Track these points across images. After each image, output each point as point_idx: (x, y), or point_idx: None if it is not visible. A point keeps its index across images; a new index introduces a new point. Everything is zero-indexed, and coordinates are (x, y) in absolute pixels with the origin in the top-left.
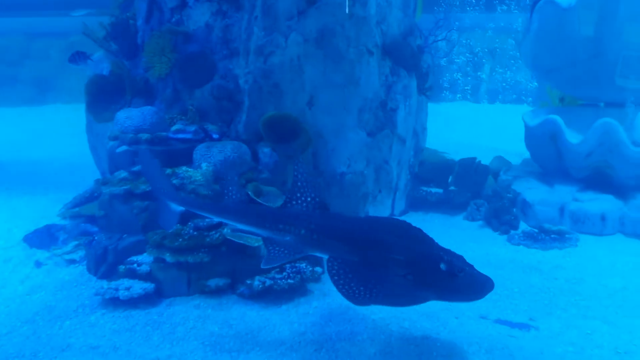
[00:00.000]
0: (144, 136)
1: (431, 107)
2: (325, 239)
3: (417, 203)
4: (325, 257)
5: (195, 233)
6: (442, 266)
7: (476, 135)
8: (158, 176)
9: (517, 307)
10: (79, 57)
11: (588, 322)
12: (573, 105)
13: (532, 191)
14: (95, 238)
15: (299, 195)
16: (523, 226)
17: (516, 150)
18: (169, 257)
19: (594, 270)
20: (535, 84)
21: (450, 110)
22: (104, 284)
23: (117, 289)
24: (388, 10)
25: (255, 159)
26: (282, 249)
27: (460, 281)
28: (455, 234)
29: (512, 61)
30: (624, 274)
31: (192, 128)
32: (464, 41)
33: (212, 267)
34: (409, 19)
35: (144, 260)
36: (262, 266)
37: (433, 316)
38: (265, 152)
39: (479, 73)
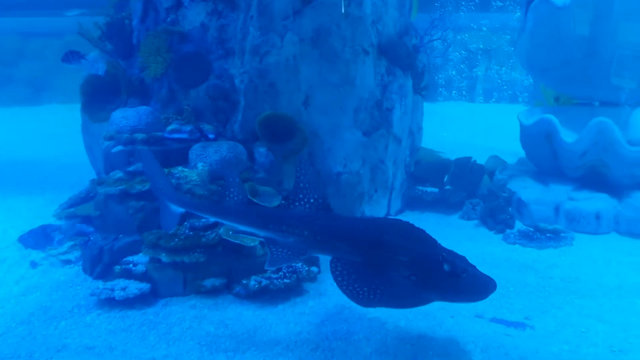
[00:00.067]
0: (140, 136)
1: (427, 106)
2: (329, 240)
3: (413, 202)
4: (328, 257)
5: (191, 233)
6: (446, 267)
7: (472, 135)
8: (159, 177)
9: (512, 306)
10: (72, 56)
11: (583, 320)
12: (568, 104)
13: (528, 190)
14: (91, 238)
15: (301, 196)
16: (518, 225)
17: (511, 149)
18: (164, 257)
19: (589, 269)
20: (530, 80)
21: (445, 109)
22: (100, 284)
23: (112, 289)
24: (384, 10)
25: (251, 158)
26: (285, 251)
27: (463, 282)
28: (451, 233)
29: (508, 60)
30: (619, 273)
31: (188, 128)
32: (459, 39)
33: (208, 267)
34: (404, 19)
35: (140, 260)
36: (266, 267)
37: (429, 315)
38: (261, 152)
39: (474, 69)
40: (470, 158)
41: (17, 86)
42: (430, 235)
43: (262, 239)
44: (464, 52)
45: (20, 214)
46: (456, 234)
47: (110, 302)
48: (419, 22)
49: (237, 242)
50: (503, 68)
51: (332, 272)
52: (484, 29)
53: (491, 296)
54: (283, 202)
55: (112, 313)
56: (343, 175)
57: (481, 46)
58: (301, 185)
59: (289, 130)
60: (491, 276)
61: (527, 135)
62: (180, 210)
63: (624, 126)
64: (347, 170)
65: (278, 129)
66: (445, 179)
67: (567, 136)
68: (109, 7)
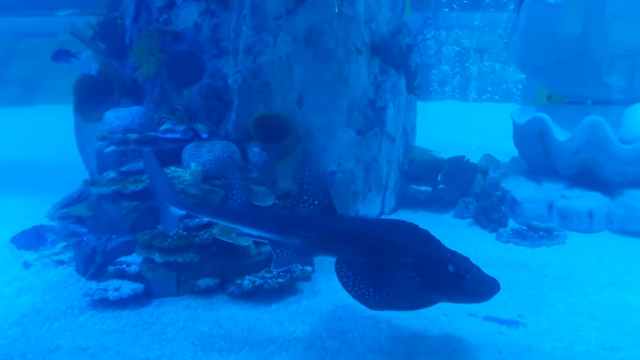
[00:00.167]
0: (133, 136)
1: (420, 105)
2: (334, 241)
3: (406, 201)
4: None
5: (184, 233)
6: (450, 268)
7: (465, 134)
8: (160, 179)
9: (505, 304)
10: (62, 55)
11: (576, 318)
12: (560, 103)
13: (521, 189)
14: (84, 239)
15: (305, 198)
16: (512, 224)
17: (505, 148)
18: (158, 257)
19: (582, 267)
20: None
21: (439, 108)
22: (93, 284)
23: (106, 290)
24: (377, 9)
25: (244, 158)
26: (290, 252)
27: (467, 283)
28: (445, 232)
29: (501, 58)
30: (611, 271)
31: (181, 128)
32: (452, 37)
33: (202, 267)
34: (397, 18)
35: (133, 260)
36: (272, 269)
37: (422, 314)
38: (255, 151)
39: (467, 68)
40: (463, 157)
41: (9, 86)
42: (435, 236)
43: (259, 239)
44: (457, 49)
45: (13, 214)
46: (450, 233)
47: (103, 303)
48: (412, 21)
49: (230, 241)
50: (496, 64)
51: (338, 274)
52: (477, 22)
53: None
54: (277, 201)
55: (105, 313)
56: (337, 174)
57: (474, 44)
58: (305, 187)
59: (282, 129)
60: None
61: (520, 134)
62: (181, 212)
63: (616, 124)
64: (341, 169)
65: (272, 128)
66: (438, 178)
67: (560, 134)
68: (102, 7)
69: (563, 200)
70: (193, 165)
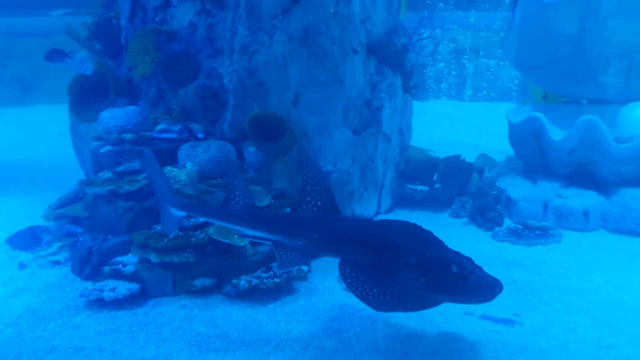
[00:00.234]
0: (128, 136)
1: (416, 105)
2: (338, 242)
3: (403, 201)
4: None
5: (180, 233)
6: (454, 268)
7: (461, 133)
8: (160, 180)
9: (501, 303)
10: (55, 54)
11: (571, 316)
12: (556, 102)
13: (516, 188)
14: (80, 239)
15: (308, 199)
16: (507, 223)
17: (500, 147)
18: (154, 258)
19: (577, 266)
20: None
21: (435, 108)
22: (89, 285)
23: (102, 290)
24: (372, 9)
25: (240, 158)
26: (294, 254)
27: (471, 283)
28: (441, 231)
29: (497, 58)
30: (607, 269)
31: (177, 127)
32: (448, 37)
33: (198, 267)
34: (393, 18)
35: (129, 260)
36: (276, 270)
37: (419, 313)
38: (251, 151)
39: (463, 67)
40: (459, 156)
41: (5, 86)
42: (438, 237)
43: (261, 241)
44: (452, 48)
45: (8, 215)
46: (446, 232)
47: (99, 303)
48: (408, 21)
49: (226, 241)
50: (492, 63)
51: (341, 274)
52: (472, 19)
53: None
54: (273, 201)
55: (101, 314)
56: (333, 174)
57: (470, 44)
58: (308, 188)
59: (278, 129)
60: None
61: (516, 133)
62: (181, 214)
63: (611, 124)
64: (337, 169)
65: (267, 128)
66: (434, 177)
67: (555, 134)
68: (97, 7)
69: (558, 199)
70: (189, 165)
